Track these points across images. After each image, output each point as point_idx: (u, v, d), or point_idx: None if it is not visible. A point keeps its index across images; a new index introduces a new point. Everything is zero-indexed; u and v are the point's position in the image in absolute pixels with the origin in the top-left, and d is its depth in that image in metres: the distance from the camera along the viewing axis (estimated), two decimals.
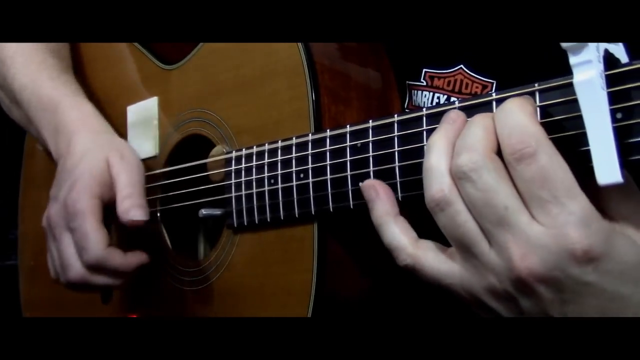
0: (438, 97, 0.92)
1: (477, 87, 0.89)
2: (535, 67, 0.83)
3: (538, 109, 0.64)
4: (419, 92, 0.93)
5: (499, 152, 0.62)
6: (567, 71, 0.60)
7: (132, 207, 0.97)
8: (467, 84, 0.89)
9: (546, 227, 0.60)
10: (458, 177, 0.63)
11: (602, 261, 0.59)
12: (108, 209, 1.00)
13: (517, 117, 0.61)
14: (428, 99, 0.92)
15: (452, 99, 0.90)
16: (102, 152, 1.02)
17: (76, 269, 0.98)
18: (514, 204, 0.61)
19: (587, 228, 0.59)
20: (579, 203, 0.59)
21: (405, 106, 0.95)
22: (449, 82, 0.91)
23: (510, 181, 0.61)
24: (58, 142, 1.08)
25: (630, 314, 0.61)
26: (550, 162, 0.59)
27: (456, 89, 0.90)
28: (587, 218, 0.59)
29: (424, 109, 0.73)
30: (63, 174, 1.03)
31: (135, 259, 1.00)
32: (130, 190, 0.99)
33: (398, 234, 0.71)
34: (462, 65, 0.90)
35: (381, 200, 0.73)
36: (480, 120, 0.64)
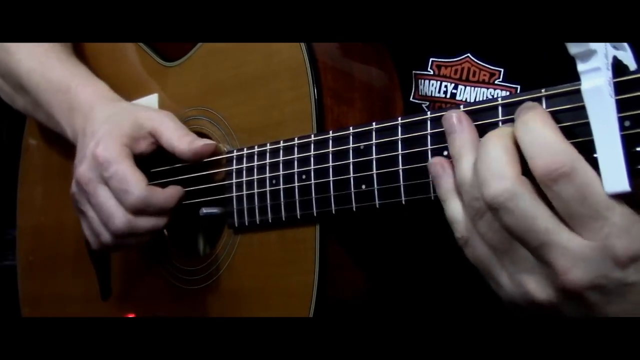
0: (445, 86, 0.91)
1: (484, 75, 0.88)
2: (543, 54, 0.82)
3: None
4: (426, 81, 0.93)
5: (525, 171, 0.61)
6: (575, 60, 0.59)
7: (195, 139, 0.96)
8: (474, 72, 0.89)
9: (589, 240, 0.59)
10: (493, 207, 0.61)
11: None
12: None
13: (544, 134, 0.60)
14: (435, 88, 0.92)
15: (460, 87, 0.89)
16: (130, 113, 1.00)
17: (120, 216, 0.95)
18: (554, 224, 0.60)
19: (629, 235, 0.58)
20: (619, 213, 0.58)
21: (412, 96, 0.95)
22: (456, 71, 0.91)
23: (544, 201, 0.60)
24: (74, 120, 1.06)
25: None
26: (586, 178, 0.58)
27: (463, 77, 0.90)
28: (628, 225, 0.58)
29: (429, 113, 0.72)
30: (85, 141, 1.00)
31: (175, 192, 0.97)
32: (184, 130, 0.97)
33: (460, 209, 0.68)
34: (469, 54, 0.90)
35: (448, 176, 0.69)
36: (497, 141, 0.62)
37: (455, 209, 0.69)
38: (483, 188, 0.62)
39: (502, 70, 0.87)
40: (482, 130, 0.66)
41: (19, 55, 1.13)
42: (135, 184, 0.93)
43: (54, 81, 1.09)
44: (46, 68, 1.11)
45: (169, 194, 0.96)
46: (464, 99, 0.90)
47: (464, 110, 0.68)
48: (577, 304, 0.62)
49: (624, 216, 0.58)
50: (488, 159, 0.62)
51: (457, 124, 0.67)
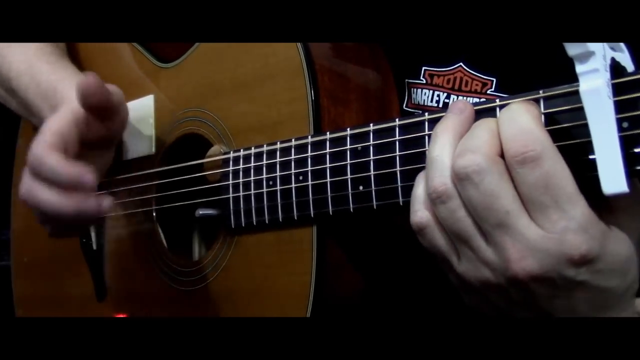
0: (438, 95, 0.91)
1: (477, 85, 0.88)
2: (536, 63, 0.83)
3: (543, 116, 0.63)
4: (419, 90, 0.93)
5: (502, 155, 0.62)
6: (569, 67, 0.59)
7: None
8: (466, 82, 0.89)
9: (546, 231, 0.60)
10: (460, 177, 0.63)
11: (596, 262, 0.61)
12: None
13: (522, 119, 0.61)
14: (428, 97, 0.92)
15: (452, 96, 0.90)
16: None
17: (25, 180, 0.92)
18: (515, 207, 0.61)
19: (585, 234, 0.60)
20: (579, 209, 0.60)
21: (405, 105, 0.95)
22: (448, 80, 0.91)
23: (511, 184, 0.61)
24: None
25: (615, 302, 0.64)
26: (554, 167, 0.60)
27: (456, 87, 0.90)
28: (586, 223, 0.60)
29: (426, 114, 0.72)
30: None
31: (76, 168, 0.88)
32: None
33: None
34: (461, 63, 0.90)
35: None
36: (485, 123, 0.64)
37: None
38: (456, 159, 0.63)
39: (495, 79, 0.87)
40: None
41: (10, 58, 1.14)
42: (39, 148, 0.90)
43: (42, 85, 1.09)
44: (35, 71, 1.11)
45: (68, 165, 0.89)
46: None
47: None
48: (523, 291, 0.63)
49: (584, 214, 0.60)
50: (472, 135, 0.64)
51: (460, 108, 0.67)
